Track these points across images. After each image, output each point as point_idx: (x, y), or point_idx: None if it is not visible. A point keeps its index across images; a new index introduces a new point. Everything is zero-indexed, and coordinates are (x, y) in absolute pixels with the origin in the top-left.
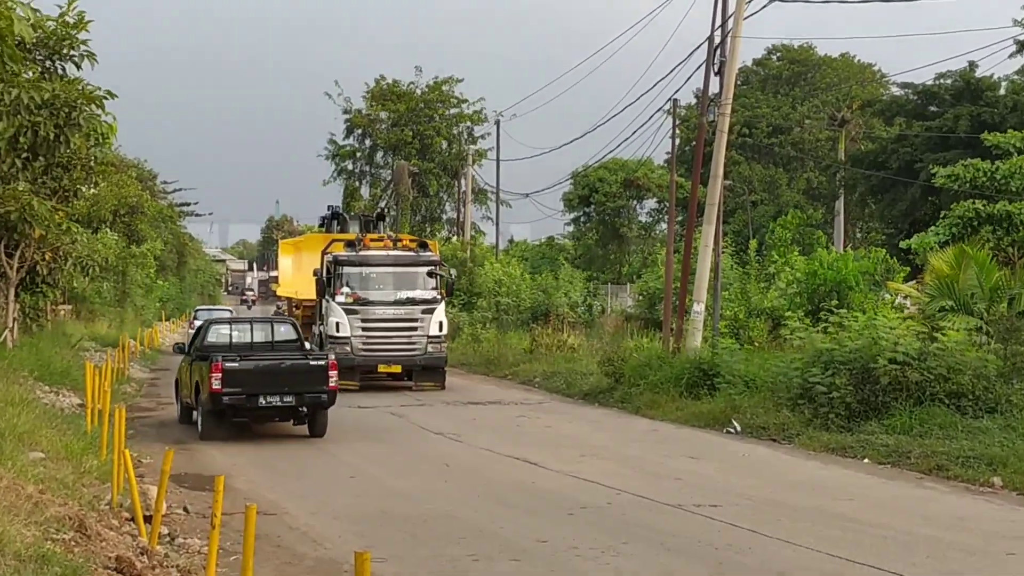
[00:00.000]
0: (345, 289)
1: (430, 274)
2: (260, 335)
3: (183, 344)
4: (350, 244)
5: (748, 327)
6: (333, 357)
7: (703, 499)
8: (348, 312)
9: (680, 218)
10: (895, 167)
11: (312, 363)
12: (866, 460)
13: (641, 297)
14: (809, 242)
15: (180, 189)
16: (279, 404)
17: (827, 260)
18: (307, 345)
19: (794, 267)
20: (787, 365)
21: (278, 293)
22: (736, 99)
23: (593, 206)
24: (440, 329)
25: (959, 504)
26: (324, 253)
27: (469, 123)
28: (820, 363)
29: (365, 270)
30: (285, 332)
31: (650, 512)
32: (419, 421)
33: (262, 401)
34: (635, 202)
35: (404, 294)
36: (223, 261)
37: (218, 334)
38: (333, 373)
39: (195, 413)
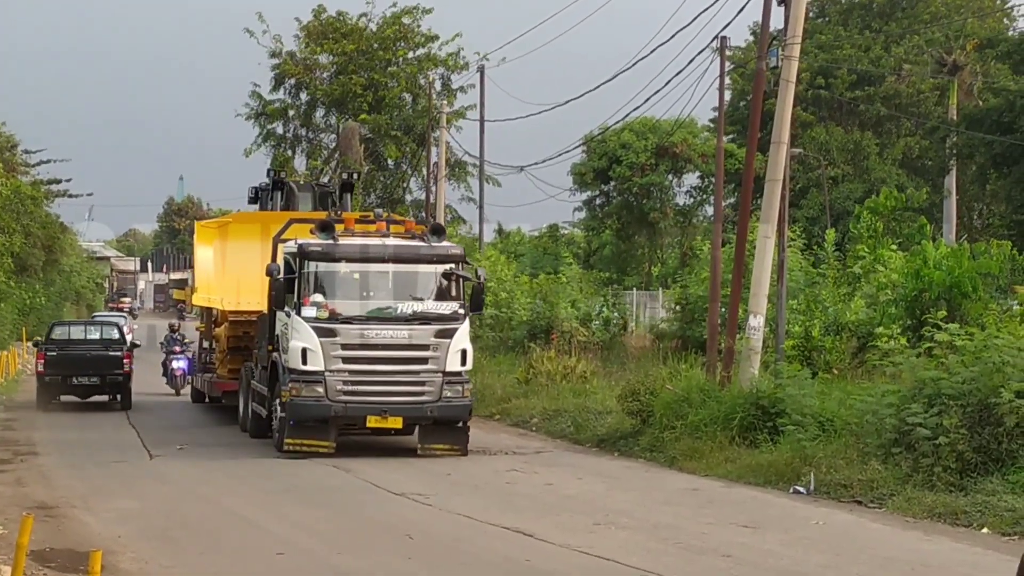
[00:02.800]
0: (317, 298)
1: (448, 276)
2: (94, 334)
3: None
4: (324, 228)
5: (824, 349)
6: (128, 348)
7: None
8: (321, 333)
9: (731, 200)
10: None
11: (110, 353)
12: (985, 530)
13: (678, 308)
14: (909, 233)
15: (48, 161)
16: (87, 383)
17: (933, 257)
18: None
19: (888, 267)
20: (877, 401)
21: (192, 302)
22: (808, 37)
23: (613, 183)
24: (463, 361)
25: None
26: (278, 241)
27: (442, 69)
28: (922, 398)
29: (348, 269)
30: (110, 332)
31: None
32: (372, 477)
33: (74, 380)
34: (671, 177)
35: (409, 307)
36: (107, 259)
37: (60, 331)
38: (127, 361)
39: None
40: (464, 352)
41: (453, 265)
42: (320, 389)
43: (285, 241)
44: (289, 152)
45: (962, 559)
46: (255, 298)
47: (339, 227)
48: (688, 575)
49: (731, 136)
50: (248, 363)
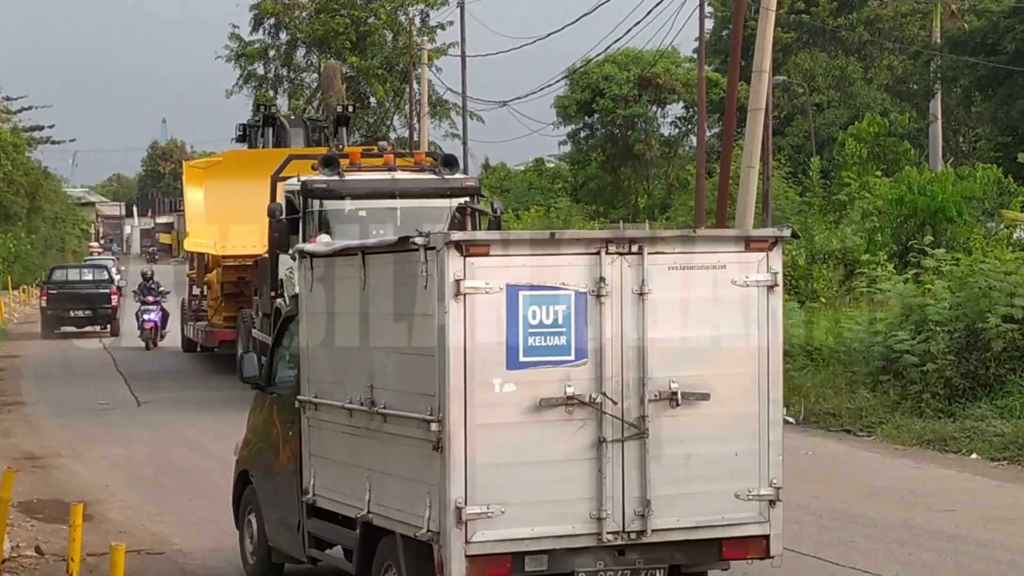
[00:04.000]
0: (323, 238)
1: (462, 210)
2: (87, 275)
3: None
4: (328, 163)
5: (811, 277)
6: (116, 286)
7: None
8: None
9: (716, 130)
10: (1010, 51)
11: (100, 291)
12: (974, 455)
13: None
14: (893, 158)
15: (29, 108)
16: (82, 315)
17: (919, 182)
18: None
19: (873, 193)
20: (865, 328)
21: (185, 247)
22: None
23: (597, 115)
24: None
25: None
26: (277, 179)
27: (423, 6)
28: (910, 324)
29: (356, 206)
30: (100, 273)
31: None
32: None
33: (71, 313)
34: (655, 108)
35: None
36: (92, 204)
37: (59, 274)
38: (114, 296)
39: None
40: None
41: (468, 198)
42: None
43: (285, 179)
44: (270, 92)
45: (951, 485)
46: (251, 241)
47: (343, 162)
48: None
49: (714, 65)
50: (246, 310)
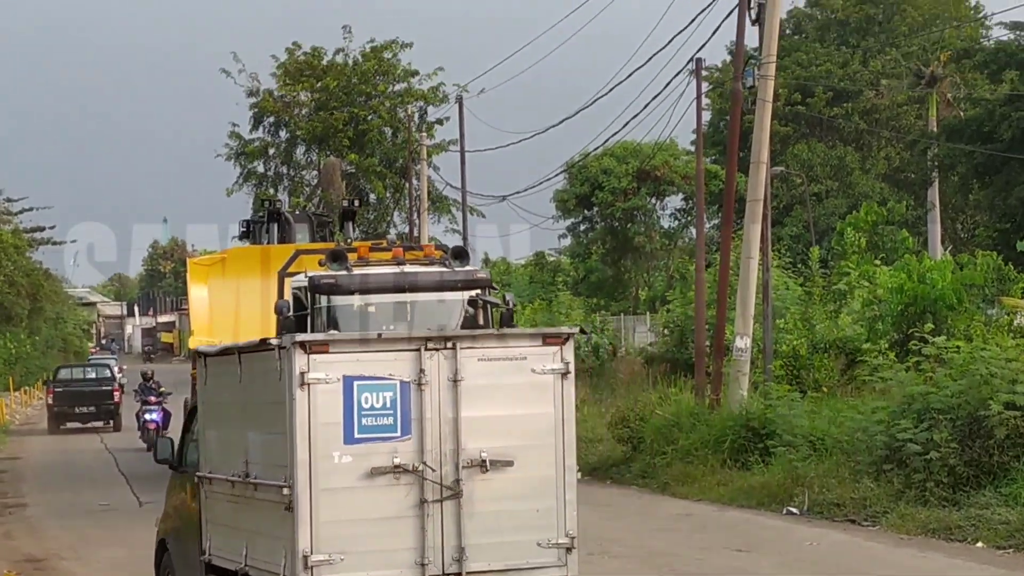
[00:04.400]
0: (333, 334)
1: (474, 303)
2: (91, 373)
3: None
4: (335, 258)
5: (813, 367)
6: (117, 383)
7: None
8: None
9: (716, 221)
10: (1007, 138)
11: (103, 388)
12: (980, 544)
13: (666, 332)
14: (892, 246)
15: (30, 209)
16: (86, 411)
17: (918, 270)
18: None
19: (873, 282)
20: (867, 418)
21: (189, 346)
22: (784, 55)
23: (597, 208)
24: None
25: None
26: (284, 275)
27: (422, 102)
28: (912, 413)
29: (366, 301)
30: (103, 371)
31: None
32: None
33: (76, 409)
34: (654, 200)
35: None
36: (93, 304)
37: (64, 372)
38: (116, 393)
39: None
40: None
41: (480, 291)
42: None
43: (292, 275)
44: (270, 189)
45: (958, 574)
46: (257, 338)
47: (352, 256)
48: None
49: (712, 157)
50: None
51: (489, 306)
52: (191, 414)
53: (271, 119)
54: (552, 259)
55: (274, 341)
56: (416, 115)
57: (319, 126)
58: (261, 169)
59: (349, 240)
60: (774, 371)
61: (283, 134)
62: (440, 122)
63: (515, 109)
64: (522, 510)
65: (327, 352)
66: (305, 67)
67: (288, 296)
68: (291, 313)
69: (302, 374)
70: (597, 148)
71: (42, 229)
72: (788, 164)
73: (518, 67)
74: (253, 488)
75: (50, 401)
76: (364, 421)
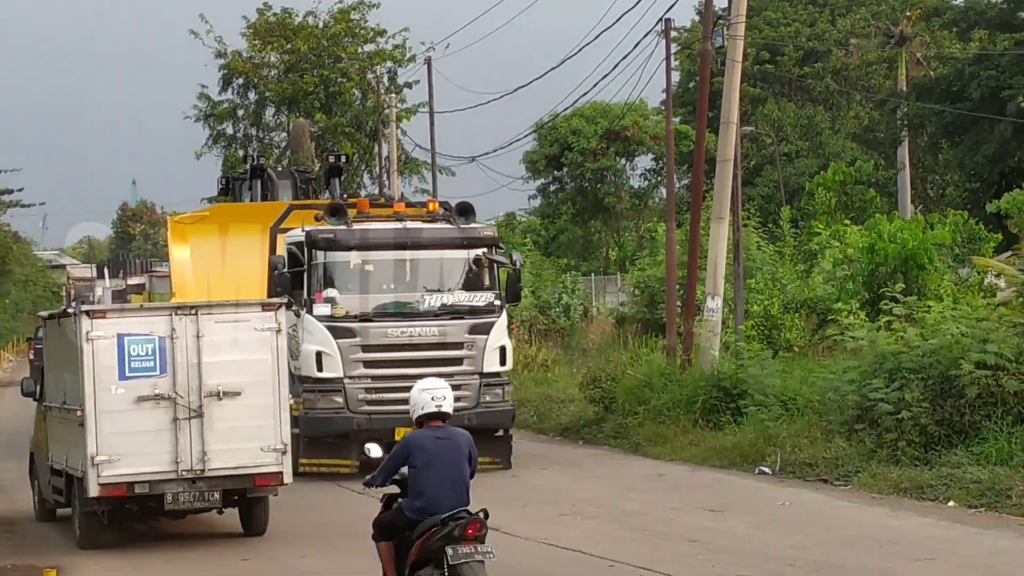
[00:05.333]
0: (331, 293)
1: (478, 262)
2: None
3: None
4: (334, 212)
5: (784, 327)
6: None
7: (729, 567)
8: (338, 334)
9: (686, 181)
10: (975, 97)
11: None
12: (951, 503)
13: (637, 292)
14: (861, 206)
15: None
16: None
17: (888, 230)
18: None
19: (844, 241)
20: (839, 377)
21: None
22: (753, 15)
23: (566, 169)
24: (502, 360)
25: None
26: (277, 230)
27: (390, 63)
28: (883, 373)
29: (366, 257)
30: None
31: None
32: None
33: None
34: (624, 161)
35: (438, 299)
36: (62, 267)
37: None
38: None
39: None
40: (503, 349)
41: (486, 249)
42: (339, 399)
43: (286, 231)
44: (239, 151)
45: (930, 533)
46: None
47: (351, 212)
48: (655, 562)
49: (682, 117)
50: None
51: (496, 265)
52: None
53: (240, 80)
54: (522, 219)
55: (71, 309)
56: (385, 77)
57: (289, 88)
58: (230, 131)
59: (334, 197)
60: (745, 331)
61: (252, 95)
62: (409, 85)
63: (484, 71)
64: (248, 426)
65: (105, 318)
66: (276, 27)
67: (282, 252)
68: (286, 269)
69: (87, 333)
70: (567, 109)
71: (10, 192)
72: (758, 124)
73: (487, 27)
74: (67, 412)
75: (31, 357)
76: (133, 364)
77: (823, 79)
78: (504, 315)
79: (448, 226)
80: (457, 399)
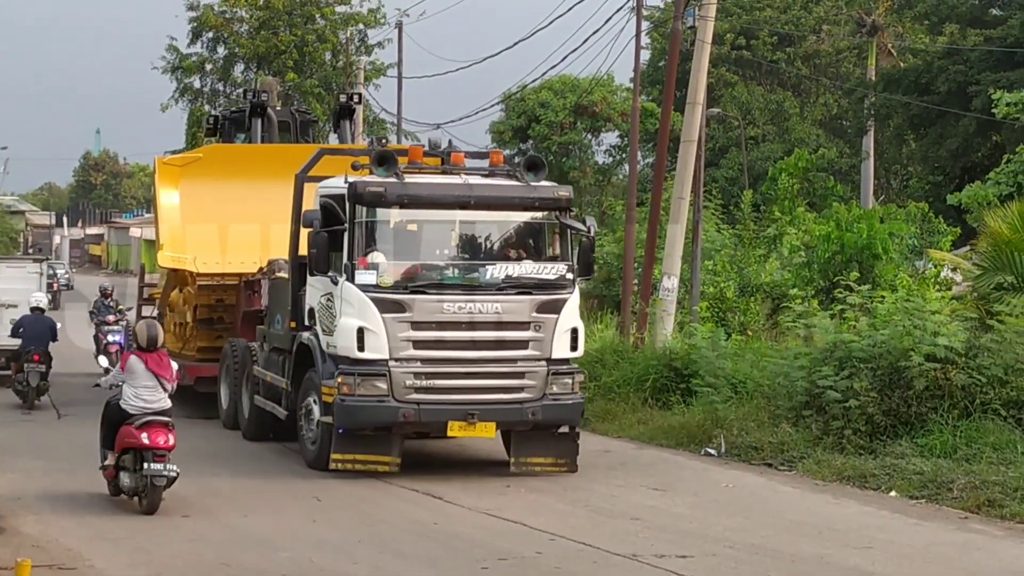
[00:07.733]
0: (377, 257)
1: (550, 227)
2: None
3: None
4: (383, 160)
5: (738, 310)
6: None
7: (669, 547)
8: (384, 307)
9: (651, 159)
10: (943, 91)
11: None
12: (893, 493)
13: (596, 268)
14: (823, 193)
15: None
16: None
17: (846, 219)
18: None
19: (802, 228)
20: (789, 363)
21: (159, 263)
22: None
23: (532, 141)
24: (574, 345)
25: (1016, 555)
26: (304, 179)
27: (362, 25)
28: (833, 360)
29: (420, 217)
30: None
31: (595, 566)
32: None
33: None
34: (590, 136)
35: (503, 270)
36: (21, 213)
37: None
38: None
39: None
40: (575, 332)
41: (559, 212)
42: (383, 385)
43: (316, 179)
44: (205, 106)
45: (870, 522)
46: (248, 257)
47: (402, 160)
48: (596, 538)
49: (651, 96)
50: (236, 340)
51: (570, 231)
52: None
53: (210, 34)
54: None
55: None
56: (356, 38)
57: (262, 45)
58: (197, 85)
59: (382, 145)
60: (700, 312)
61: (221, 50)
62: (380, 45)
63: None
64: None
65: None
66: None
67: (312, 205)
68: (320, 228)
69: None
70: (535, 80)
71: None
72: (726, 106)
73: None
74: None
75: None
76: None
77: (795, 64)
78: (577, 291)
79: (516, 183)
80: (520, 390)
